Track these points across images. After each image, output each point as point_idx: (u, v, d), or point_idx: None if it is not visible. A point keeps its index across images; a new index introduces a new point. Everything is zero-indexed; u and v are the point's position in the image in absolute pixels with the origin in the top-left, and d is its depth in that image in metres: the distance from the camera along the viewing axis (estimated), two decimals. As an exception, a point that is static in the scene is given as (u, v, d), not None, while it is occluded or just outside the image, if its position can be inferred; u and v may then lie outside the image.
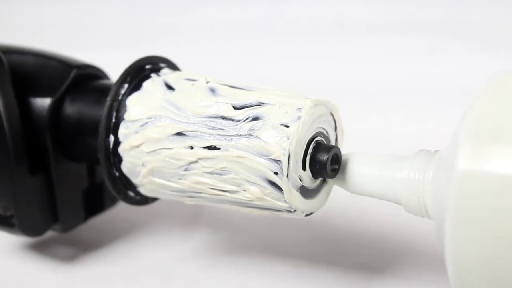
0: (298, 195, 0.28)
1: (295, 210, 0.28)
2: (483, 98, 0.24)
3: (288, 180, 0.27)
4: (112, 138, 0.31)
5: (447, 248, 0.24)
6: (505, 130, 0.23)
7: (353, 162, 0.29)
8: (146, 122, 0.30)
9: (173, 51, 0.41)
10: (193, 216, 0.40)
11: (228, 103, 0.29)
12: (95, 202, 0.37)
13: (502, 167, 0.22)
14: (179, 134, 0.29)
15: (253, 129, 0.28)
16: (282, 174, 0.27)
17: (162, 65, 0.33)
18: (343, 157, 0.29)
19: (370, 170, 0.28)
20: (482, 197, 0.23)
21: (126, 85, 0.31)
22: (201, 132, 0.29)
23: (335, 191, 0.31)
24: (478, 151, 0.23)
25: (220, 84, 0.30)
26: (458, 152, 0.23)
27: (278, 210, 0.29)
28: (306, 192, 0.29)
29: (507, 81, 0.25)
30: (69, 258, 0.37)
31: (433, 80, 0.60)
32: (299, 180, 0.28)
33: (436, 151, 0.27)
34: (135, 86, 0.31)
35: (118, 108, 0.31)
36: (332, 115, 0.30)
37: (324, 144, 0.29)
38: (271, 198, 0.28)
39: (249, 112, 0.28)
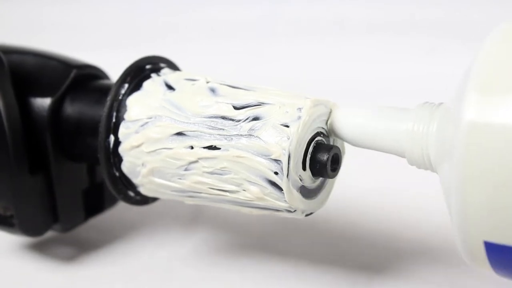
0: (298, 195, 0.28)
1: (295, 210, 0.28)
2: (489, 47, 0.24)
3: (288, 180, 0.27)
4: (112, 138, 0.31)
5: (453, 200, 0.23)
6: (510, 80, 0.23)
7: (354, 114, 0.28)
8: (146, 122, 0.30)
9: (173, 51, 0.41)
10: (193, 216, 0.40)
11: (228, 103, 0.29)
12: (95, 202, 0.37)
13: (507, 117, 0.22)
14: (179, 134, 0.29)
15: (253, 129, 0.28)
16: (282, 174, 0.27)
17: (162, 65, 0.33)
18: (345, 111, 0.29)
19: (373, 122, 0.28)
20: (489, 148, 0.22)
21: (126, 85, 0.31)
22: (201, 132, 0.29)
23: (335, 191, 0.31)
24: (484, 101, 0.22)
25: (220, 84, 0.30)
26: (463, 102, 0.23)
27: (278, 210, 0.29)
28: (306, 192, 0.29)
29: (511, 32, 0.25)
30: (69, 258, 0.37)
31: (433, 80, 0.60)
32: (299, 180, 0.28)
33: (441, 103, 0.27)
34: (135, 86, 0.31)
35: (118, 108, 0.31)
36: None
37: (324, 144, 0.29)
38: (271, 198, 0.28)
39: (249, 112, 0.28)
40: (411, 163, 0.27)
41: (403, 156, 0.27)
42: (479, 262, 0.24)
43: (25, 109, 0.33)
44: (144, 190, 0.31)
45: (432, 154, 0.26)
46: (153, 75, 0.32)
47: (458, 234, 0.24)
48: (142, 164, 0.30)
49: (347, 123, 0.28)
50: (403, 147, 0.27)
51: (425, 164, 0.27)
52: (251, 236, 0.38)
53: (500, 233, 0.23)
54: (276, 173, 0.27)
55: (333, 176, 0.29)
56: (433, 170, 0.27)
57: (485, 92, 0.23)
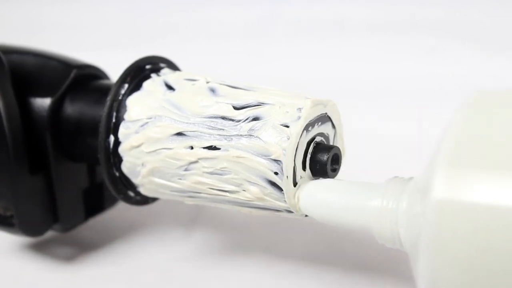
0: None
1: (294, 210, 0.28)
2: (459, 122, 0.23)
3: (288, 180, 0.27)
4: (112, 138, 0.31)
5: (422, 279, 0.23)
6: (482, 156, 0.22)
7: (322, 190, 0.28)
8: (146, 122, 0.30)
9: (173, 51, 0.41)
10: (193, 216, 0.40)
11: (228, 103, 0.29)
12: (95, 202, 0.37)
13: (479, 195, 0.21)
14: (179, 134, 0.29)
15: (253, 129, 0.28)
16: (282, 174, 0.27)
17: (162, 65, 0.33)
18: (311, 184, 0.28)
19: (340, 199, 0.27)
20: (459, 227, 0.21)
21: (126, 85, 0.31)
22: (201, 132, 0.29)
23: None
24: (454, 179, 0.22)
25: (220, 84, 0.30)
26: (433, 179, 0.22)
27: (278, 210, 0.29)
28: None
29: (484, 104, 0.24)
30: (69, 258, 0.37)
31: (433, 80, 0.60)
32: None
33: (411, 178, 0.26)
34: (135, 86, 0.31)
35: (118, 108, 0.31)
36: (332, 114, 0.30)
37: (324, 144, 0.29)
38: (271, 198, 0.28)
39: (249, 112, 0.28)
40: (381, 240, 0.27)
41: (372, 234, 0.27)
42: None
43: (25, 109, 0.33)
44: (144, 190, 0.31)
45: (402, 232, 0.25)
46: (153, 75, 0.32)
47: None
48: (142, 164, 0.30)
49: (314, 199, 0.28)
50: (372, 224, 0.26)
51: (394, 242, 0.26)
52: (251, 236, 0.38)
53: None
54: (276, 173, 0.27)
55: (333, 176, 0.29)
56: (402, 247, 0.26)
57: (453, 169, 0.22)
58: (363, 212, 0.26)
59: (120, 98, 0.31)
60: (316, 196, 0.27)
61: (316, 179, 0.29)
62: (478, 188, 0.21)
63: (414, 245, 0.24)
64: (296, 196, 0.28)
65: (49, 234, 0.37)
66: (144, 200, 0.33)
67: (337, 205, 0.27)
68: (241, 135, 0.28)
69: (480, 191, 0.21)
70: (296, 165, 0.28)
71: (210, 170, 0.29)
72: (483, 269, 0.21)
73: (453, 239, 0.22)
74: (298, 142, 0.27)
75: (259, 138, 0.28)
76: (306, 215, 0.29)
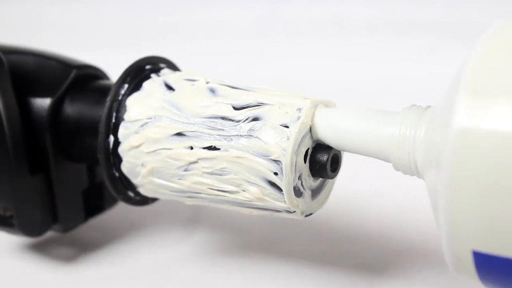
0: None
1: (294, 211, 0.28)
2: (481, 48, 0.23)
3: (288, 180, 0.27)
4: (112, 138, 0.31)
5: (440, 207, 0.23)
6: (504, 84, 0.22)
7: (339, 116, 0.27)
8: (146, 123, 0.30)
9: (173, 51, 0.41)
10: (193, 216, 0.40)
11: (228, 104, 0.29)
12: (95, 203, 0.37)
13: (501, 123, 0.21)
14: (179, 134, 0.29)
15: (253, 130, 0.28)
16: (282, 174, 0.27)
17: (162, 65, 0.33)
18: (328, 111, 0.28)
19: (358, 125, 0.27)
20: (478, 154, 0.21)
21: (126, 85, 0.31)
22: (201, 133, 0.29)
23: (335, 191, 0.31)
24: (474, 106, 0.21)
25: (220, 84, 0.30)
26: (454, 106, 0.22)
27: (277, 211, 0.29)
28: (306, 193, 0.29)
29: (506, 31, 0.24)
30: (69, 258, 0.37)
31: (433, 80, 0.60)
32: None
33: (428, 106, 0.26)
34: (135, 87, 0.31)
35: (118, 108, 0.31)
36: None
37: (324, 144, 0.29)
38: (271, 198, 0.28)
39: (249, 112, 0.28)
40: (397, 168, 0.26)
41: (389, 161, 0.26)
42: (466, 273, 0.23)
43: (25, 110, 0.33)
44: (143, 191, 0.31)
45: (419, 160, 0.25)
46: (153, 75, 0.32)
47: (445, 243, 0.23)
48: (142, 165, 0.30)
49: (330, 125, 0.27)
50: (389, 152, 0.26)
51: (411, 170, 0.26)
52: (251, 236, 0.38)
53: (489, 242, 0.22)
54: (275, 173, 0.27)
55: (333, 177, 0.29)
56: (419, 176, 0.26)
57: (475, 97, 0.22)
58: (380, 139, 0.26)
59: (120, 98, 0.31)
60: (332, 122, 0.27)
61: (317, 179, 0.29)
62: (500, 116, 0.21)
63: (432, 173, 0.24)
64: (312, 124, 0.28)
65: (49, 234, 0.37)
66: (144, 201, 0.33)
67: (354, 132, 0.27)
68: (240, 135, 0.28)
69: (503, 119, 0.21)
70: (296, 165, 0.28)
71: (209, 170, 0.29)
72: (503, 198, 0.21)
73: (473, 166, 0.21)
74: (298, 143, 0.27)
75: (259, 139, 0.28)
76: (306, 215, 0.29)
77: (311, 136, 0.28)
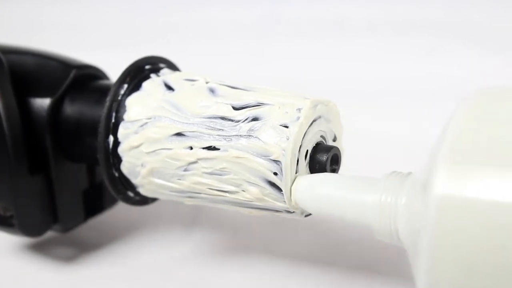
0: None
1: (294, 211, 0.28)
2: (460, 118, 0.23)
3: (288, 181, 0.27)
4: (111, 138, 0.31)
5: (421, 276, 0.23)
6: (483, 152, 0.22)
7: (319, 183, 0.27)
8: (146, 123, 0.30)
9: (173, 51, 0.41)
10: (193, 216, 0.40)
11: (227, 104, 0.29)
12: (94, 202, 0.37)
13: (480, 191, 0.21)
14: (179, 134, 0.29)
15: (252, 130, 0.28)
16: (282, 174, 0.27)
17: (161, 65, 0.33)
18: (310, 179, 0.28)
19: (339, 193, 0.27)
20: (460, 224, 0.21)
21: (125, 86, 0.31)
22: (200, 133, 0.29)
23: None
24: (455, 175, 0.22)
25: (220, 84, 0.30)
26: (434, 175, 0.22)
27: (277, 211, 0.29)
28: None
29: (485, 100, 0.24)
30: (69, 258, 0.37)
31: (433, 80, 0.60)
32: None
33: (409, 173, 0.26)
34: (135, 87, 0.31)
35: (118, 108, 0.31)
36: (332, 115, 0.30)
37: (324, 144, 0.29)
38: (271, 198, 0.28)
39: (249, 112, 0.28)
40: (379, 236, 0.26)
41: (370, 229, 0.26)
42: None
43: (25, 110, 0.33)
44: (143, 191, 0.31)
45: (400, 227, 0.25)
46: (152, 75, 0.32)
47: None
48: (142, 165, 0.30)
49: (311, 192, 0.27)
50: (370, 220, 0.26)
51: (392, 238, 0.26)
52: (251, 236, 0.38)
53: None
54: (275, 173, 0.27)
55: (333, 177, 0.29)
56: (400, 243, 0.26)
57: (454, 166, 0.22)
58: (361, 207, 0.26)
59: (119, 98, 0.31)
60: (312, 189, 0.27)
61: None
62: (479, 184, 0.21)
63: (413, 241, 0.24)
64: (291, 189, 0.28)
65: (49, 234, 0.37)
66: (144, 201, 0.33)
67: (334, 199, 0.27)
68: (240, 135, 0.28)
69: (482, 187, 0.21)
70: (296, 165, 0.28)
71: (209, 170, 0.29)
72: (484, 266, 0.21)
73: (454, 236, 0.21)
74: (298, 143, 0.27)
75: (259, 139, 0.28)
76: (306, 215, 0.29)
77: (292, 205, 0.28)
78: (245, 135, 0.28)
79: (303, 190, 0.27)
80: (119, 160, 0.31)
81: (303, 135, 0.28)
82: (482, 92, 0.25)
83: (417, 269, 0.23)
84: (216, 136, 0.28)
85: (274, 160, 0.27)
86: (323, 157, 0.28)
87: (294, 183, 0.28)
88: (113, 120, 0.31)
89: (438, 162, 0.22)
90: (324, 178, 0.27)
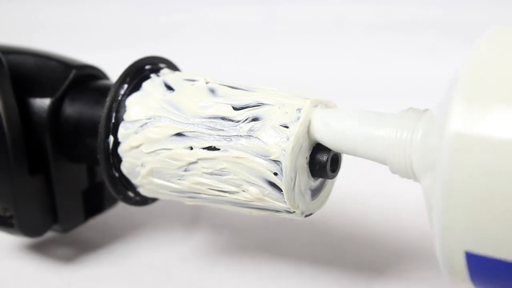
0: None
1: (294, 211, 0.28)
2: (479, 53, 0.23)
3: (288, 181, 0.27)
4: (111, 138, 0.31)
5: (435, 211, 0.23)
6: (500, 88, 0.22)
7: (337, 117, 0.27)
8: (146, 123, 0.30)
9: (173, 51, 0.41)
10: (193, 216, 0.40)
11: (227, 104, 0.29)
12: (94, 203, 0.37)
13: (496, 129, 0.21)
14: (179, 134, 0.29)
15: (252, 130, 0.28)
16: (282, 175, 0.27)
17: (161, 65, 0.33)
18: (325, 112, 0.28)
19: (355, 127, 0.27)
20: (474, 161, 0.21)
21: (125, 86, 0.31)
22: (200, 133, 0.29)
23: (335, 192, 0.31)
24: (471, 111, 0.21)
25: (220, 84, 0.30)
26: (449, 112, 0.22)
27: (277, 211, 0.29)
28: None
29: (503, 37, 0.24)
30: (69, 258, 0.37)
31: (433, 80, 0.60)
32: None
33: (426, 109, 0.26)
34: (135, 87, 0.31)
35: (118, 108, 0.31)
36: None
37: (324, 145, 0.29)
38: (271, 198, 0.28)
39: (249, 112, 0.28)
40: (393, 171, 0.26)
41: (385, 163, 0.26)
42: (458, 274, 0.23)
43: (25, 110, 0.33)
44: (143, 191, 0.31)
45: (415, 163, 0.25)
46: (152, 75, 0.32)
47: (438, 243, 0.23)
48: (142, 165, 0.30)
49: (328, 127, 0.27)
50: (385, 154, 0.26)
51: (407, 173, 0.26)
52: (251, 236, 0.38)
53: (482, 244, 0.22)
54: (275, 174, 0.27)
55: (333, 177, 0.29)
56: (415, 179, 0.26)
57: (470, 102, 0.22)
58: (377, 141, 0.26)
59: (119, 98, 0.31)
60: (330, 123, 0.27)
61: (317, 179, 0.29)
62: (495, 121, 0.21)
63: (428, 178, 0.24)
64: (309, 124, 0.27)
65: (49, 234, 0.37)
66: (144, 201, 0.33)
67: (350, 134, 0.27)
68: (240, 135, 0.28)
69: (497, 124, 0.21)
70: (297, 166, 0.28)
71: (209, 170, 0.29)
72: (497, 201, 0.21)
73: (469, 173, 0.21)
74: (299, 142, 0.27)
75: (259, 139, 0.28)
76: (306, 215, 0.29)
77: (310, 137, 0.28)
78: (245, 135, 0.28)
79: (319, 126, 0.27)
80: (119, 160, 0.31)
81: (303, 135, 0.28)
82: (500, 29, 0.24)
83: (431, 203, 0.23)
84: (216, 136, 0.28)
85: (274, 160, 0.27)
86: (323, 157, 0.28)
87: (311, 119, 0.28)
88: (113, 120, 0.31)
89: (453, 98, 0.22)
90: (340, 113, 0.27)
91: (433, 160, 0.23)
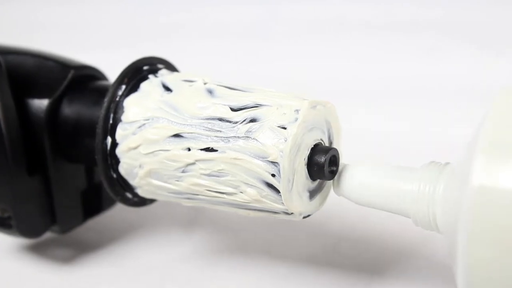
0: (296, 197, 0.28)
1: (292, 213, 0.28)
2: (498, 110, 0.24)
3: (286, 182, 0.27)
4: (109, 139, 0.31)
5: (459, 263, 0.23)
6: None
7: (359, 173, 0.28)
8: (144, 124, 0.30)
9: (173, 51, 0.41)
10: (192, 216, 0.40)
11: (225, 105, 0.29)
12: (93, 203, 0.37)
13: None
14: (177, 135, 0.29)
15: (250, 131, 0.28)
16: (280, 176, 0.27)
17: (160, 66, 0.33)
18: (348, 168, 0.29)
19: (378, 182, 0.28)
20: (497, 212, 0.22)
21: (123, 86, 0.31)
22: (198, 134, 0.29)
23: (333, 193, 0.31)
24: (493, 165, 0.23)
25: (218, 85, 0.30)
26: (473, 166, 0.23)
27: (275, 212, 0.29)
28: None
29: None
30: (68, 259, 0.37)
31: (433, 80, 0.60)
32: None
33: (447, 163, 0.27)
34: (133, 87, 0.31)
35: (116, 109, 0.31)
36: (330, 116, 0.30)
37: (322, 145, 0.29)
38: (269, 200, 0.28)
39: (247, 113, 0.28)
40: (416, 223, 0.27)
41: (408, 216, 0.28)
42: None
43: (23, 110, 0.33)
44: (141, 192, 0.31)
45: (439, 216, 0.26)
46: (150, 76, 0.32)
47: None
48: (140, 166, 0.30)
49: (353, 182, 0.28)
50: (409, 207, 0.27)
51: (430, 225, 0.27)
52: (251, 236, 0.38)
53: None
54: (273, 175, 0.27)
55: (331, 178, 0.29)
56: (438, 231, 0.27)
57: (493, 156, 0.23)
58: (401, 195, 0.27)
59: (117, 99, 0.31)
60: (354, 180, 0.28)
61: (315, 180, 0.29)
62: None
63: (451, 230, 0.25)
64: (335, 180, 0.29)
65: (47, 235, 0.37)
66: (142, 202, 0.33)
67: (375, 189, 0.28)
68: (238, 136, 0.28)
69: None
70: (294, 167, 0.28)
71: (207, 172, 0.28)
72: None
73: (491, 225, 0.22)
74: (296, 144, 0.27)
75: (256, 140, 0.28)
76: (304, 217, 0.29)
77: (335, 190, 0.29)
78: (243, 137, 0.28)
79: (345, 180, 0.29)
80: (117, 161, 0.31)
81: (301, 137, 0.27)
82: None
83: (454, 256, 0.24)
84: (214, 138, 0.28)
85: (272, 162, 0.27)
86: (321, 159, 0.28)
87: (339, 174, 0.29)
88: (111, 121, 0.31)
89: (475, 152, 0.23)
90: (364, 168, 0.29)
91: (456, 213, 0.24)
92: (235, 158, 0.28)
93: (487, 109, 0.25)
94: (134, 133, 0.30)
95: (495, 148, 0.23)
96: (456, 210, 0.24)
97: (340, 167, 0.29)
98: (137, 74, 0.31)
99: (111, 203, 0.38)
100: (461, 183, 0.24)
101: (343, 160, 0.30)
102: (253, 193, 0.28)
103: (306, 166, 0.28)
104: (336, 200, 0.32)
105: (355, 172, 0.29)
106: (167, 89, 0.30)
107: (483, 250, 0.23)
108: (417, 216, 0.27)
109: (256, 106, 0.28)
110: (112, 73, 0.36)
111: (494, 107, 0.24)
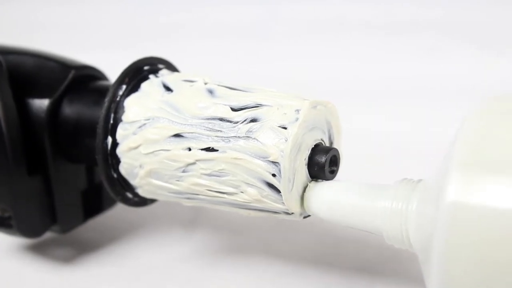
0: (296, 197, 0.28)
1: (293, 212, 0.28)
2: (471, 126, 0.24)
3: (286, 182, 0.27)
4: (110, 139, 0.31)
5: (434, 280, 0.23)
6: (495, 160, 0.22)
7: (331, 190, 0.28)
8: (144, 124, 0.30)
9: (173, 51, 0.41)
10: (192, 216, 0.40)
11: (226, 105, 0.29)
12: (93, 203, 0.37)
13: (493, 199, 0.22)
14: (177, 135, 0.29)
15: (251, 131, 0.28)
16: (280, 176, 0.27)
17: (160, 66, 0.33)
18: (319, 186, 0.28)
19: (350, 199, 0.27)
20: (472, 229, 0.22)
21: (124, 86, 0.31)
22: (199, 134, 0.29)
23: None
24: (467, 182, 0.22)
25: (218, 85, 0.30)
26: (446, 182, 0.23)
27: (276, 212, 0.29)
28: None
29: (495, 107, 0.25)
30: (68, 259, 0.37)
31: (433, 80, 0.60)
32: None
33: (420, 180, 0.27)
34: (133, 87, 0.31)
35: (116, 109, 0.31)
36: (330, 116, 0.30)
37: (323, 145, 0.29)
38: (269, 200, 0.28)
39: (247, 113, 0.28)
40: (389, 241, 0.27)
41: (381, 234, 0.27)
42: None
43: (23, 110, 0.33)
44: (142, 192, 0.31)
45: (412, 233, 0.26)
46: (151, 76, 0.32)
47: None
48: (140, 166, 0.30)
49: (324, 200, 0.28)
50: (381, 225, 0.27)
51: (403, 242, 0.27)
52: (251, 236, 0.38)
53: None
54: (274, 175, 0.27)
55: (331, 178, 0.29)
56: (412, 248, 0.26)
57: (466, 172, 0.22)
58: (373, 213, 0.27)
59: (118, 99, 0.31)
60: (325, 197, 0.28)
61: (315, 180, 0.29)
62: (491, 192, 0.22)
63: (425, 247, 0.24)
64: (304, 197, 0.28)
65: (48, 235, 0.37)
66: (142, 202, 0.33)
67: (347, 207, 0.27)
68: (238, 136, 0.28)
69: (494, 195, 0.22)
70: (295, 167, 0.28)
71: (207, 172, 0.28)
72: (495, 273, 0.22)
73: (466, 242, 0.22)
74: (297, 144, 0.27)
75: (257, 140, 0.28)
76: (305, 217, 0.29)
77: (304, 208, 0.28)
78: (243, 137, 0.28)
79: (315, 198, 0.28)
80: (117, 161, 0.31)
81: (301, 137, 0.28)
82: (492, 99, 0.25)
83: (428, 273, 0.24)
84: (215, 138, 0.28)
85: (272, 162, 0.27)
86: (322, 159, 0.28)
87: (307, 190, 0.28)
88: (111, 121, 0.31)
89: (450, 169, 0.23)
90: (335, 186, 0.28)
91: (429, 229, 0.24)
92: (235, 158, 0.28)
93: (460, 124, 0.24)
94: (134, 133, 0.30)
95: (469, 164, 0.22)
96: (430, 227, 0.23)
97: (309, 184, 0.28)
98: (137, 74, 0.31)
99: (111, 203, 0.38)
100: (436, 199, 0.23)
101: (343, 160, 0.30)
102: (253, 193, 0.28)
103: (306, 166, 0.28)
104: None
105: (324, 190, 0.28)
106: (168, 89, 0.30)
107: (458, 267, 0.22)
108: (390, 233, 0.27)
109: (256, 106, 0.28)
110: (112, 73, 0.36)
111: (467, 119, 0.24)
